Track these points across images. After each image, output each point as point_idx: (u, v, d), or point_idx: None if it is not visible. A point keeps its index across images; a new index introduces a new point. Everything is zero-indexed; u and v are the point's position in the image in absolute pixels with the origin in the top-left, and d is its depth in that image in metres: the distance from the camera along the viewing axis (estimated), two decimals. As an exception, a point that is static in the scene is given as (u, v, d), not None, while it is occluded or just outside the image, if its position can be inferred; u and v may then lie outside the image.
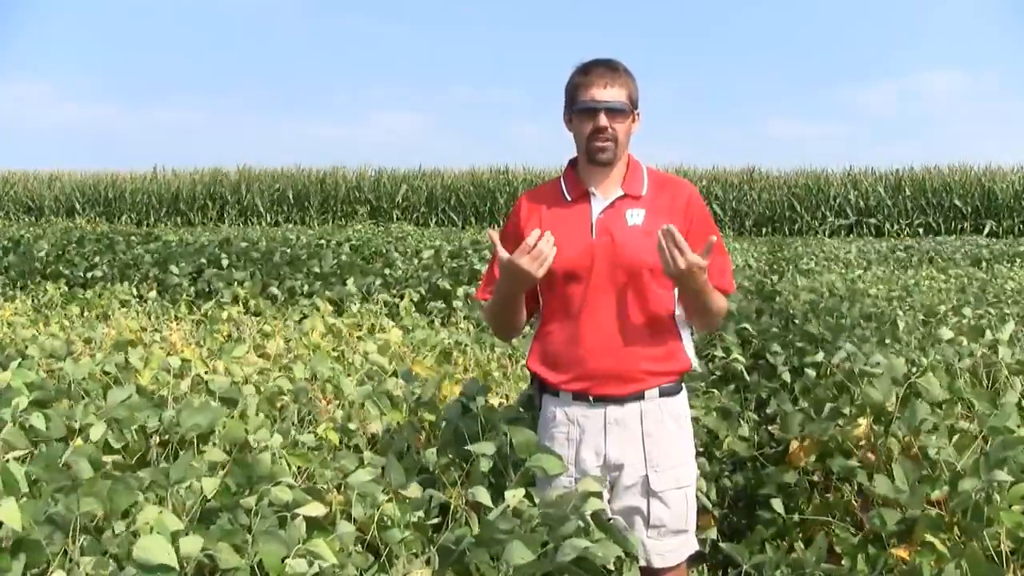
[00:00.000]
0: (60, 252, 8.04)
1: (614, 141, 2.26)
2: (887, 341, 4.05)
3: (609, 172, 2.31)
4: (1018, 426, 2.41)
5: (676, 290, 2.30)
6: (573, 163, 2.38)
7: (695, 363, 2.39)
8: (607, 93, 2.24)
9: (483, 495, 2.01)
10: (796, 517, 2.81)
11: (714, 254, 2.23)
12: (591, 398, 2.28)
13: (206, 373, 3.12)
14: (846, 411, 2.92)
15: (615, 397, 2.27)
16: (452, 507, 2.21)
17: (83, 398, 2.66)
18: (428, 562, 1.89)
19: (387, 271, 6.91)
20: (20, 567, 1.57)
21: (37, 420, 2.25)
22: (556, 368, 2.32)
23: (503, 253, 2.18)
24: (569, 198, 2.33)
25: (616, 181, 2.31)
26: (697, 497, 2.88)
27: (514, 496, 1.97)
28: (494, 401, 3.05)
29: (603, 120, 2.24)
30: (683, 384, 2.37)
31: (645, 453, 2.28)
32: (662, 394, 2.30)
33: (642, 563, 2.27)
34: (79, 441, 2.18)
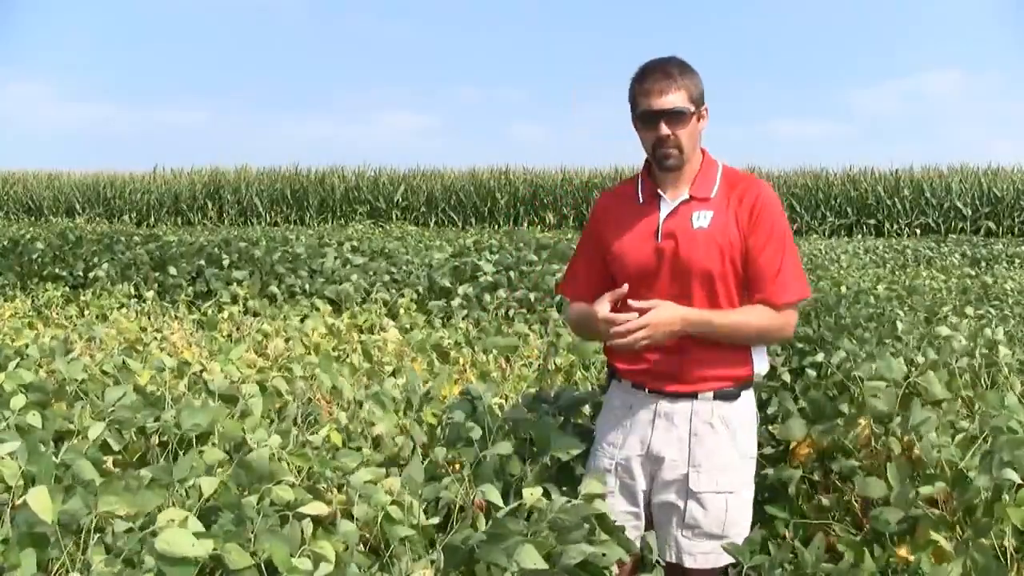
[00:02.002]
0: (56, 253, 8.02)
1: (678, 148, 2.24)
2: (887, 341, 4.05)
3: (679, 174, 2.29)
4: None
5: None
6: (648, 162, 2.38)
7: (761, 369, 2.35)
8: (665, 100, 2.21)
9: (493, 493, 2.01)
10: (797, 517, 2.80)
11: (764, 261, 2.23)
12: (646, 389, 2.32)
13: (205, 373, 3.12)
14: (846, 411, 2.92)
15: (667, 392, 2.30)
16: (457, 506, 2.20)
17: (82, 398, 2.66)
18: (432, 562, 1.89)
19: (392, 270, 6.90)
20: (31, 563, 1.57)
21: (34, 419, 2.24)
22: (621, 358, 2.36)
23: (602, 312, 2.19)
24: (641, 200, 2.34)
25: (687, 183, 2.30)
26: None
27: (532, 495, 1.98)
28: (494, 401, 3.05)
29: (664, 129, 2.22)
30: (744, 391, 2.32)
31: (690, 451, 2.28)
32: (716, 397, 2.29)
33: (673, 560, 2.28)
34: (77, 441, 2.18)
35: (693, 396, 2.28)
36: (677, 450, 2.28)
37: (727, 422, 2.29)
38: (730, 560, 2.29)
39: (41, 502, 1.56)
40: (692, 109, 2.23)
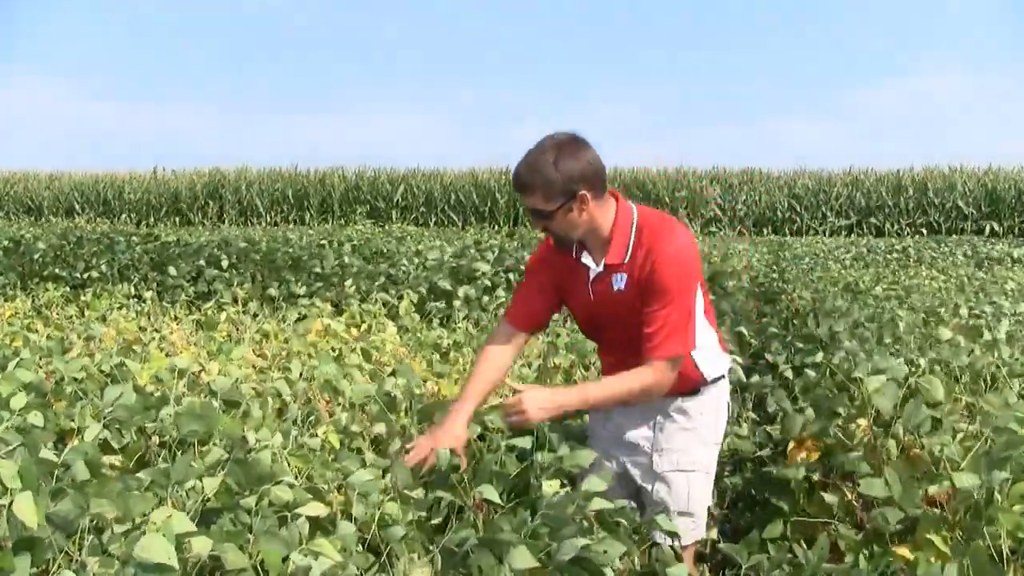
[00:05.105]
0: (56, 253, 8.02)
1: (557, 236, 2.43)
2: (887, 341, 4.04)
3: (594, 240, 2.46)
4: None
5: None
6: None
7: (715, 371, 2.56)
8: (527, 203, 2.39)
9: (491, 493, 2.02)
10: (797, 517, 2.80)
11: (647, 319, 2.37)
12: None
13: (204, 373, 3.11)
14: (844, 411, 2.91)
15: None
16: (457, 507, 2.20)
17: (81, 398, 2.65)
18: (431, 562, 1.89)
19: (390, 271, 6.90)
20: (24, 565, 1.56)
21: (35, 419, 2.24)
22: (605, 359, 2.69)
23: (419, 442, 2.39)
24: (574, 255, 2.50)
25: (602, 250, 2.45)
26: None
27: (550, 486, 2.03)
28: (494, 401, 3.04)
29: (539, 225, 2.42)
30: (705, 387, 2.55)
31: (654, 437, 2.54)
32: (677, 395, 2.52)
33: (655, 539, 2.41)
34: (76, 441, 2.17)
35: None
36: (644, 437, 2.54)
37: (686, 411, 2.53)
38: (702, 536, 2.55)
39: (26, 508, 1.56)
40: (552, 207, 2.34)
